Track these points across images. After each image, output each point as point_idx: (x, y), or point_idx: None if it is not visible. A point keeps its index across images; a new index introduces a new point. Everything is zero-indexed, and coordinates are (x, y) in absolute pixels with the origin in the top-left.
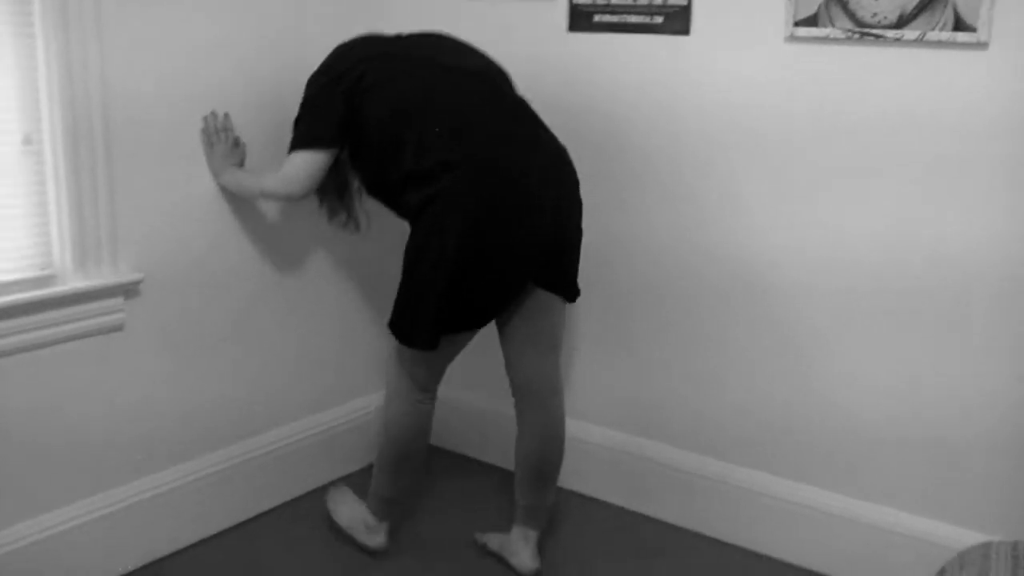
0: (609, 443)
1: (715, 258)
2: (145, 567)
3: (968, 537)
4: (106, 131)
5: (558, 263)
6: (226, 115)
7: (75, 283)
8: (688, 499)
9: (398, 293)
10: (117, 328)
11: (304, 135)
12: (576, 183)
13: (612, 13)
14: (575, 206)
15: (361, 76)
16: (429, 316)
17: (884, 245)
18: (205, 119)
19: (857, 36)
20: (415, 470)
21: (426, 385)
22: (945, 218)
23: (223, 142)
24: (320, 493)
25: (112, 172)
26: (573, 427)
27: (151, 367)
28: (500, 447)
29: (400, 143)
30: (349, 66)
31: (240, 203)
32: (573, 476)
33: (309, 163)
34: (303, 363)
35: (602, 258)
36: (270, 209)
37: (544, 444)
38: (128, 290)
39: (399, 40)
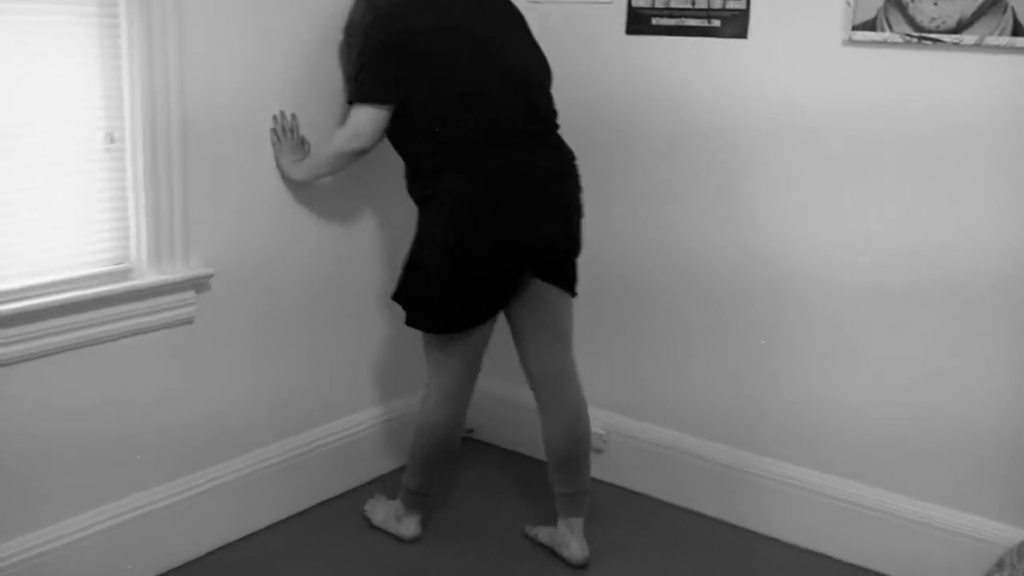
0: (648, 436)
1: (761, 259)
2: (223, 548)
3: (1008, 532)
4: (183, 130)
5: (556, 262)
6: (293, 115)
7: (150, 277)
8: (724, 490)
9: (405, 286)
10: (187, 321)
11: (366, 90)
12: (578, 191)
13: (670, 16)
14: (575, 215)
15: (419, 53)
16: (440, 299)
17: (949, 246)
18: (274, 118)
19: (915, 40)
20: (446, 465)
21: (461, 380)
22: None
23: (290, 139)
24: (378, 484)
25: (187, 170)
26: (610, 419)
27: (218, 360)
28: (537, 438)
29: (431, 128)
30: (407, 35)
31: (308, 205)
32: (613, 468)
33: (373, 117)
34: (362, 359)
35: (640, 256)
36: (335, 212)
37: (568, 431)
38: (199, 284)
39: (458, 7)
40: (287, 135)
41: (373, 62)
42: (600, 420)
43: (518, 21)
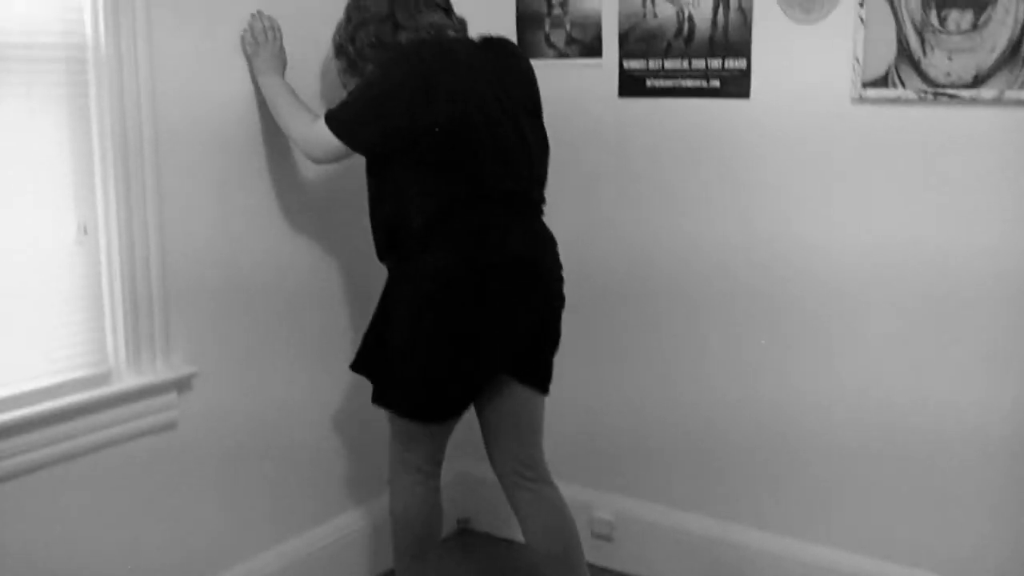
0: (663, 519)
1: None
2: None
3: None
4: (160, 219)
5: (535, 361)
6: (270, 17)
7: (130, 380)
8: None
9: (372, 359)
10: (171, 426)
11: (347, 124)
12: (562, 281)
13: (666, 77)
14: (560, 308)
15: (431, 123)
16: (421, 383)
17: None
18: (252, 16)
19: (931, 97)
20: (434, 551)
21: (424, 463)
22: None
23: (270, 41)
24: None
25: (165, 263)
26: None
27: (204, 465)
28: None
29: (424, 197)
30: (427, 84)
31: (292, 294)
32: (625, 557)
33: (333, 151)
34: (351, 454)
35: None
36: (318, 300)
37: (549, 527)
38: (181, 384)
39: (481, 65)
40: (266, 35)
41: (376, 100)
42: (608, 505)
43: (534, 100)
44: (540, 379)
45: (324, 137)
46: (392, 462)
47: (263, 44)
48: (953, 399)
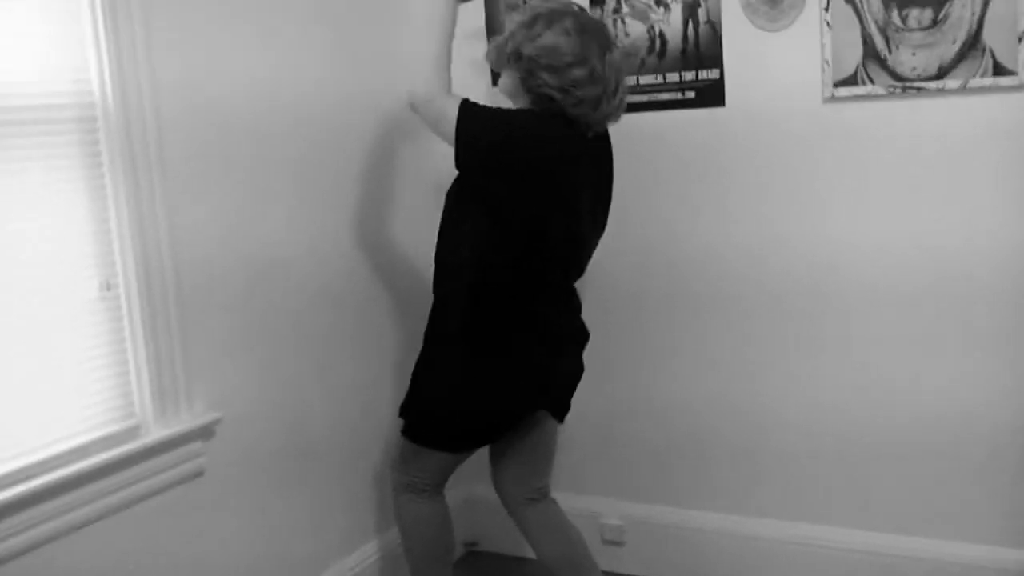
0: (671, 520)
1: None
2: None
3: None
4: (176, 269)
5: (569, 393)
6: None
7: (158, 432)
8: (769, 569)
9: (421, 391)
10: (198, 474)
11: (472, 118)
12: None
13: (641, 92)
14: (585, 340)
15: (539, 208)
16: (455, 419)
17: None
18: None
19: (899, 90)
20: (447, 566)
21: (431, 484)
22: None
23: None
24: None
25: (184, 311)
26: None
27: (231, 511)
28: None
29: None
30: (536, 170)
31: (307, 337)
32: (637, 561)
33: (443, 126)
34: (376, 483)
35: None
36: (334, 343)
37: (559, 538)
38: (206, 432)
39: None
40: None
41: (502, 133)
42: (617, 511)
43: (609, 195)
44: (565, 411)
45: (448, 110)
46: (398, 482)
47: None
48: (953, 393)
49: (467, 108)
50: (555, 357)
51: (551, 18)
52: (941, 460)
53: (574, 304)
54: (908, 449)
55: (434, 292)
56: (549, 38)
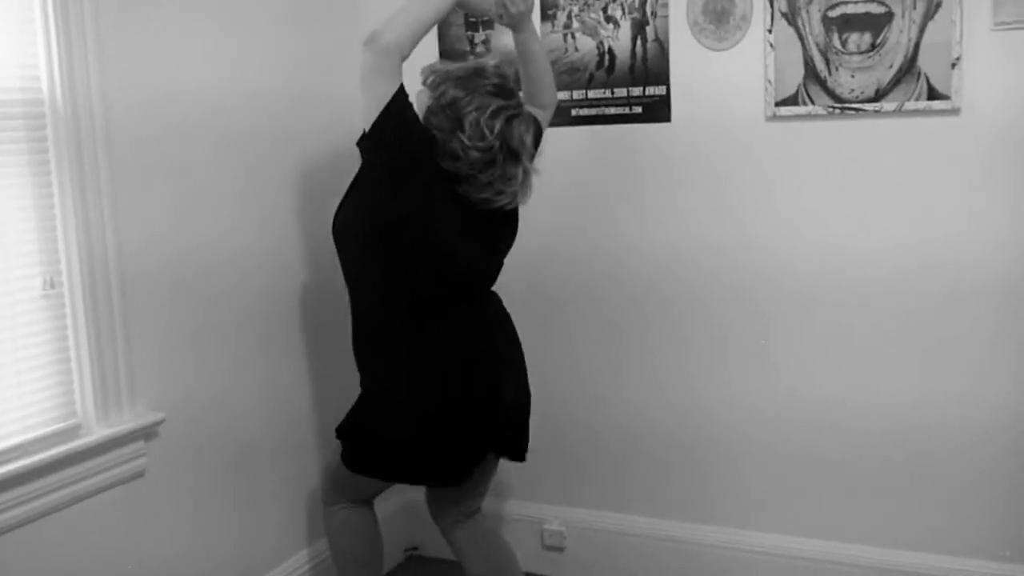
0: (612, 525)
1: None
2: None
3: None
4: (121, 270)
5: (520, 430)
6: None
7: (100, 432)
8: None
9: (362, 413)
10: (139, 475)
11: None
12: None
13: (590, 106)
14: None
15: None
16: (389, 451)
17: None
18: None
19: (838, 111)
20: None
21: (361, 499)
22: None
23: None
24: None
25: (127, 310)
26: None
27: (171, 513)
28: None
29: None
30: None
31: (255, 337)
32: (577, 567)
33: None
34: (311, 495)
35: (591, 367)
36: (283, 343)
37: (493, 562)
38: (148, 432)
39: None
40: None
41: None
42: (558, 516)
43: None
44: (522, 450)
45: (382, 90)
46: (328, 490)
47: None
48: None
49: (398, 100)
50: (490, 388)
51: (483, 105)
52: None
53: (491, 321)
54: (840, 457)
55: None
56: (472, 117)
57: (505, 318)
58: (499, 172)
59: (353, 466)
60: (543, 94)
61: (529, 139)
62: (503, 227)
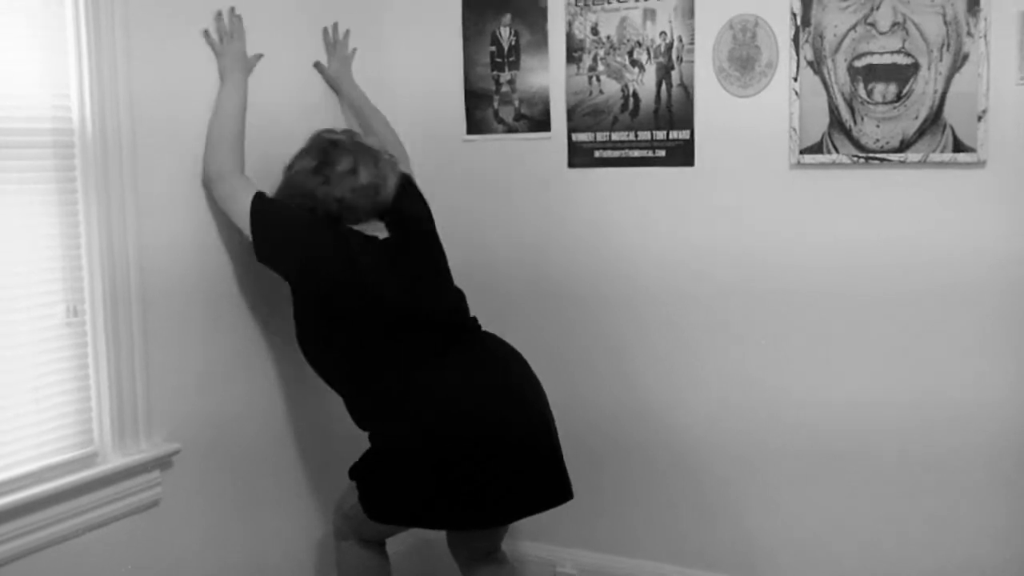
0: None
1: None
2: None
3: None
4: (143, 298)
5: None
6: (239, 17)
7: (116, 460)
8: None
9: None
10: (154, 504)
11: (263, 233)
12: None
13: (614, 148)
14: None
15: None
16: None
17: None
18: (216, 15)
19: (862, 161)
20: None
21: (374, 539)
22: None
23: (235, 40)
24: None
25: (148, 342)
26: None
27: (185, 543)
28: None
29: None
30: (350, 286)
31: (270, 366)
32: None
33: (239, 223)
34: (326, 529)
35: (608, 407)
36: (297, 373)
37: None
38: (164, 462)
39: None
40: (233, 36)
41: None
42: (571, 559)
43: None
44: (564, 492)
45: (240, 210)
46: (342, 527)
47: (227, 43)
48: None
49: (256, 206)
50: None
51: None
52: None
53: (482, 361)
54: (855, 501)
55: None
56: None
57: (504, 357)
58: (358, 179)
59: (373, 514)
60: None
61: (352, 139)
62: (413, 255)
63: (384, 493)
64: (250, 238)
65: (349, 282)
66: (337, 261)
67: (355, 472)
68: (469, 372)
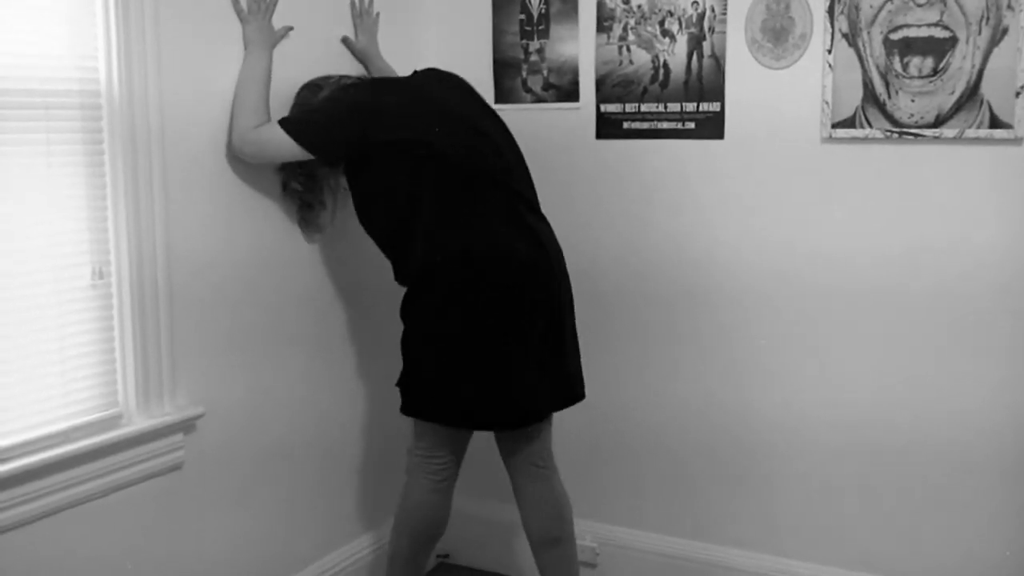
0: (647, 545)
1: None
2: None
3: None
4: (169, 263)
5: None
6: None
7: (141, 422)
8: None
9: (414, 369)
10: (177, 467)
11: (304, 129)
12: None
13: (642, 120)
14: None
15: (399, 141)
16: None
17: None
18: None
19: (896, 136)
20: (427, 555)
21: (441, 463)
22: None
23: (262, 12)
24: None
25: (173, 304)
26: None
27: (208, 506)
28: (515, 555)
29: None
30: (391, 117)
31: (296, 336)
32: None
33: (283, 150)
34: (356, 484)
35: (634, 400)
36: (324, 343)
37: (552, 523)
38: (188, 426)
39: (445, 110)
40: (261, 7)
41: (337, 115)
42: (590, 532)
43: (481, 102)
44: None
45: (272, 139)
46: (410, 463)
47: (254, 14)
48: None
49: (297, 123)
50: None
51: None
52: (937, 476)
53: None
54: (880, 484)
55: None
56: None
57: (557, 250)
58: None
59: (409, 410)
60: None
61: None
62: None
63: (420, 385)
64: (301, 147)
65: (446, 114)
66: (425, 102)
67: (400, 381)
68: (534, 243)
